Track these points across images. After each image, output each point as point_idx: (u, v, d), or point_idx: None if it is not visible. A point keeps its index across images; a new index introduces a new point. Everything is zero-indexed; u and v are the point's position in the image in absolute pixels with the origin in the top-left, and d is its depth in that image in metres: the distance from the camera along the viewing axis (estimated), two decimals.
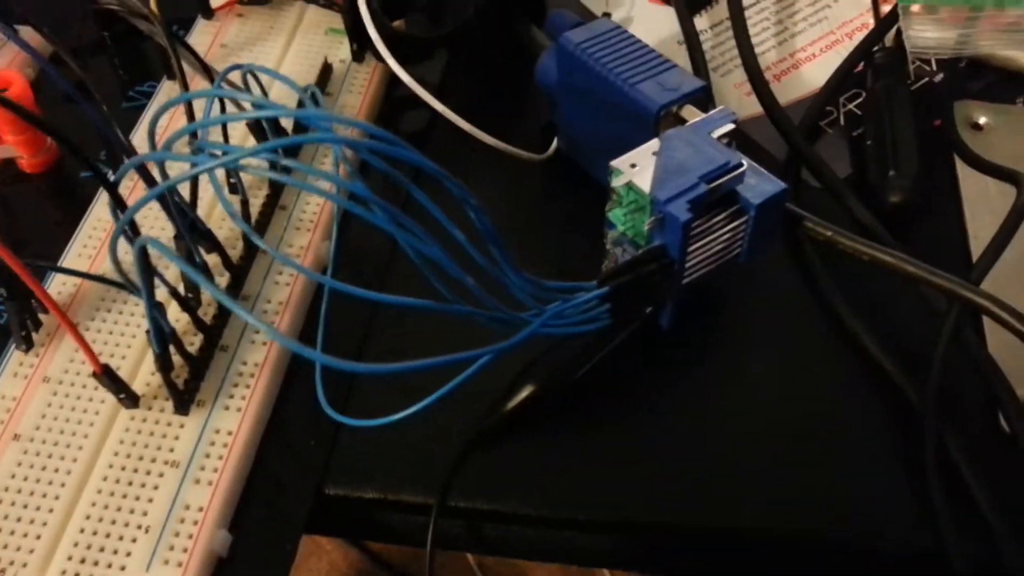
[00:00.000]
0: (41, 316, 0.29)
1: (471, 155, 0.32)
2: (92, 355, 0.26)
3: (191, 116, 0.30)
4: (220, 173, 0.30)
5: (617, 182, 0.26)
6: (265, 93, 0.32)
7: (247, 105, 0.31)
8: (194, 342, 0.28)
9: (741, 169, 0.26)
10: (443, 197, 0.22)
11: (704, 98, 0.29)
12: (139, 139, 0.34)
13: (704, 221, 0.26)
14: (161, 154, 0.21)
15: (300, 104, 0.27)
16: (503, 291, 0.24)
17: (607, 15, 0.39)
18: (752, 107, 0.36)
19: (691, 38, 0.37)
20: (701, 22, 0.40)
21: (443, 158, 0.36)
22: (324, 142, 0.21)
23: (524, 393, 0.28)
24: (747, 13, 0.38)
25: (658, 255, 0.26)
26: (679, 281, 0.26)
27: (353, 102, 0.36)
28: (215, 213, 0.32)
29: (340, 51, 0.37)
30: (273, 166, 0.23)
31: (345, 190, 0.20)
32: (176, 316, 0.28)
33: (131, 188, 0.33)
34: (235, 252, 0.31)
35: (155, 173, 0.26)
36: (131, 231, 0.25)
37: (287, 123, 0.33)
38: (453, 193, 0.22)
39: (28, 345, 0.29)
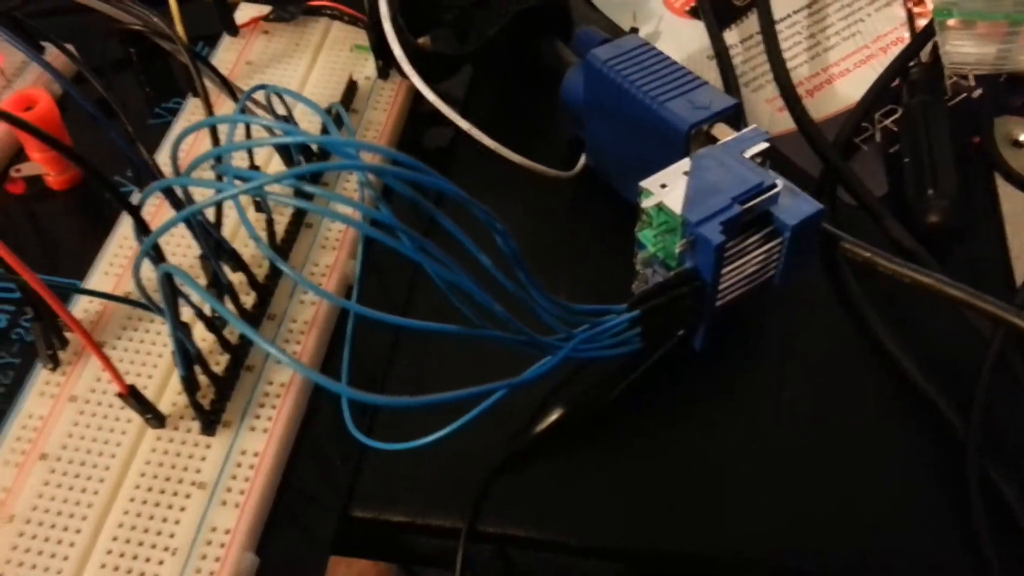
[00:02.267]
0: (67, 334, 0.29)
1: (497, 171, 0.32)
2: (118, 376, 0.26)
3: (215, 137, 0.30)
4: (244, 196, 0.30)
5: (647, 203, 0.26)
6: (289, 112, 0.32)
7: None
8: (220, 362, 0.28)
9: (776, 190, 0.25)
10: (468, 219, 0.21)
11: (736, 116, 0.28)
12: (164, 158, 0.34)
13: (737, 243, 0.25)
14: (184, 180, 0.21)
15: (324, 128, 0.27)
16: (531, 314, 0.24)
17: (635, 30, 0.39)
18: (784, 123, 0.35)
19: (721, 53, 0.36)
20: (731, 36, 0.39)
21: (469, 175, 0.36)
22: (349, 169, 0.20)
23: (553, 416, 0.27)
24: (778, 27, 0.37)
25: (690, 277, 0.25)
26: (712, 304, 0.26)
27: (378, 119, 0.36)
28: (241, 232, 0.32)
29: (365, 68, 0.37)
30: (298, 191, 0.22)
31: (369, 217, 0.19)
32: (202, 335, 0.28)
33: (156, 206, 0.33)
34: (261, 271, 0.30)
35: (180, 193, 0.26)
36: (155, 254, 0.25)
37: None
38: (479, 218, 0.22)
39: (55, 364, 0.29)
